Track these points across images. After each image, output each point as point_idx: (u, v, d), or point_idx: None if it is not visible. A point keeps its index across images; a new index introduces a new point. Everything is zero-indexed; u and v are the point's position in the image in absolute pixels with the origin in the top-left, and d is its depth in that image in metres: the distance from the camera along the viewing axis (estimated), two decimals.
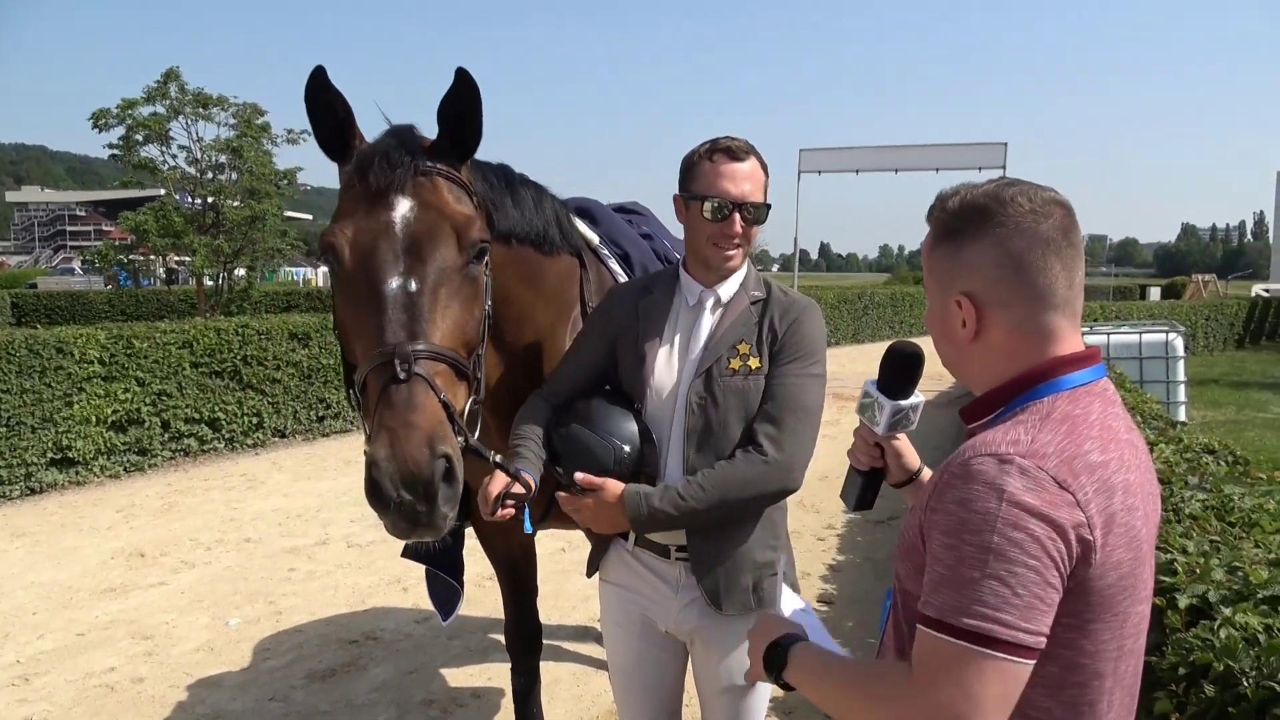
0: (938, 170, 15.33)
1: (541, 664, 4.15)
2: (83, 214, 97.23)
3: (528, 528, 1.98)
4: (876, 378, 1.62)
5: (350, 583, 5.45)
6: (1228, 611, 1.67)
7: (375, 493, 1.60)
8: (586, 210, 2.80)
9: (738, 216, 2.00)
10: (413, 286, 1.76)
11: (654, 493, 1.94)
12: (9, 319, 21.42)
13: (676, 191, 2.09)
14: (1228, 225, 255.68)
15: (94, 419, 7.80)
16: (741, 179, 1.99)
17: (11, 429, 7.24)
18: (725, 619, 2.06)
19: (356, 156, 1.87)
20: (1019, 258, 1.18)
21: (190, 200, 15.68)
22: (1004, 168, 14.24)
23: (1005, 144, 14.46)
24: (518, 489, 1.90)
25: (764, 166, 2.06)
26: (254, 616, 4.93)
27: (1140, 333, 9.97)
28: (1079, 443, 1.11)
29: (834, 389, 12.48)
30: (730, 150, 2.01)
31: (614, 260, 2.69)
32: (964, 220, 1.23)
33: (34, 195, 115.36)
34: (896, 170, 15.20)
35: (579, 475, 1.96)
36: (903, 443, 1.65)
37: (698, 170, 2.03)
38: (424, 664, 4.35)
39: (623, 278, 2.66)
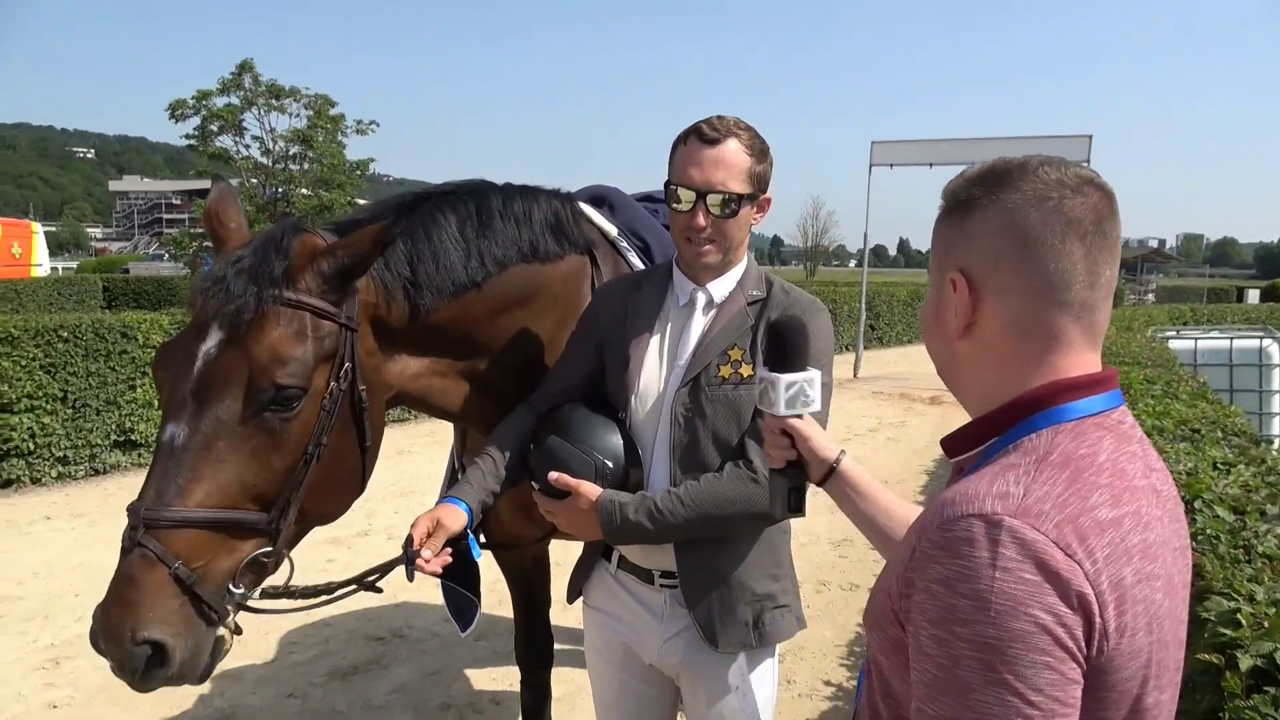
0: None
1: (567, 670, 4.04)
2: (179, 202, 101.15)
3: (475, 554, 1.83)
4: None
5: (386, 576, 5.38)
6: None
7: (92, 645, 1.58)
8: (603, 198, 2.61)
9: (701, 208, 1.77)
10: (180, 439, 1.60)
11: (630, 502, 1.76)
12: (100, 302, 22.23)
13: None
14: None
15: (156, 402, 7.94)
16: (709, 165, 1.77)
17: (78, 411, 7.42)
18: (718, 656, 1.86)
19: (202, 276, 1.75)
20: (1029, 232, 0.96)
21: (263, 189, 16.04)
22: (1089, 161, 13.53)
23: (1090, 136, 13.70)
24: (453, 529, 1.77)
25: (754, 150, 1.81)
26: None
27: (1231, 338, 9.33)
28: (1084, 494, 0.88)
29: (902, 389, 12.07)
30: (701, 132, 1.78)
31: (634, 253, 2.50)
32: (976, 186, 1.01)
33: (133, 184, 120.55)
34: (973, 164, 14.58)
35: (553, 475, 1.80)
36: (809, 426, 1.46)
37: (674, 155, 1.84)
38: (447, 665, 4.25)
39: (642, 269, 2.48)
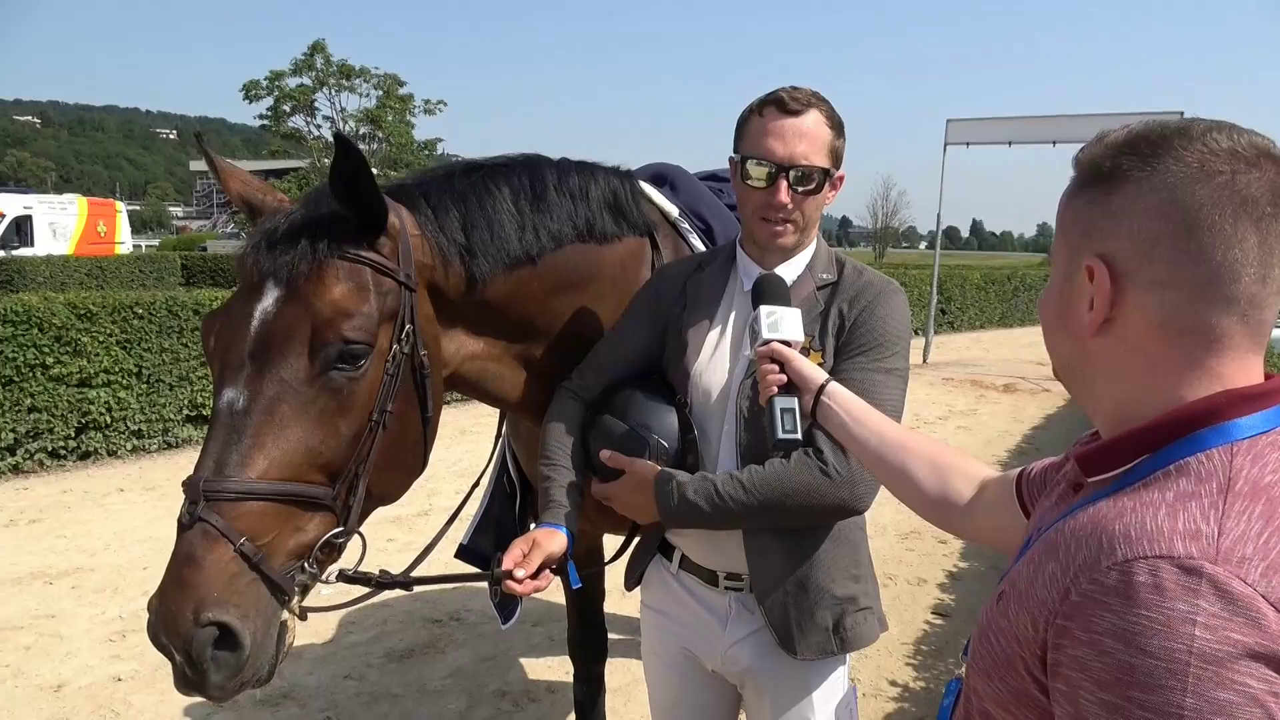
0: None
1: (623, 661, 3.97)
2: None
3: (574, 582, 1.74)
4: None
5: (445, 557, 5.34)
6: None
7: (152, 642, 1.46)
8: (665, 177, 2.49)
9: (784, 183, 1.65)
10: (240, 404, 1.50)
11: (689, 482, 1.66)
12: (179, 279, 22.91)
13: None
14: None
15: None
16: (792, 137, 1.64)
17: (151, 386, 7.59)
18: (789, 664, 1.75)
19: (251, 234, 1.64)
20: (1194, 213, 0.80)
21: None
22: None
23: (1181, 113, 13.02)
24: (551, 551, 1.66)
25: (834, 123, 1.70)
26: (347, 587, 4.91)
27: None
28: None
29: (974, 376, 11.68)
30: (781, 102, 1.66)
31: (695, 235, 2.37)
32: (1126, 155, 0.85)
33: None
34: (1054, 143, 14.05)
35: (604, 453, 1.73)
36: (794, 352, 1.49)
37: (746, 127, 1.71)
38: (503, 651, 4.21)
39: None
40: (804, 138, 1.65)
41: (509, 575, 1.59)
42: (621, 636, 4.02)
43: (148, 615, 1.46)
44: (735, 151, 1.74)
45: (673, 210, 2.31)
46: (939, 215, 15.11)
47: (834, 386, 1.43)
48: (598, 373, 1.90)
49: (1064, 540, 0.81)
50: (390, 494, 1.75)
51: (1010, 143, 13.54)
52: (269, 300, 1.55)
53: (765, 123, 1.67)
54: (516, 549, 1.64)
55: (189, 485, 1.46)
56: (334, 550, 1.63)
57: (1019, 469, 1.24)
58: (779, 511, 1.64)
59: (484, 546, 2.61)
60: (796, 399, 1.45)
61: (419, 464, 1.80)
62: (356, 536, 1.69)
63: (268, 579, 1.48)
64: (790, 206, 1.67)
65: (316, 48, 15.08)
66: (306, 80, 15.23)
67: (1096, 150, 0.90)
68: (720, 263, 1.85)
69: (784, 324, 1.51)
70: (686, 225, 2.33)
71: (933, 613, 4.72)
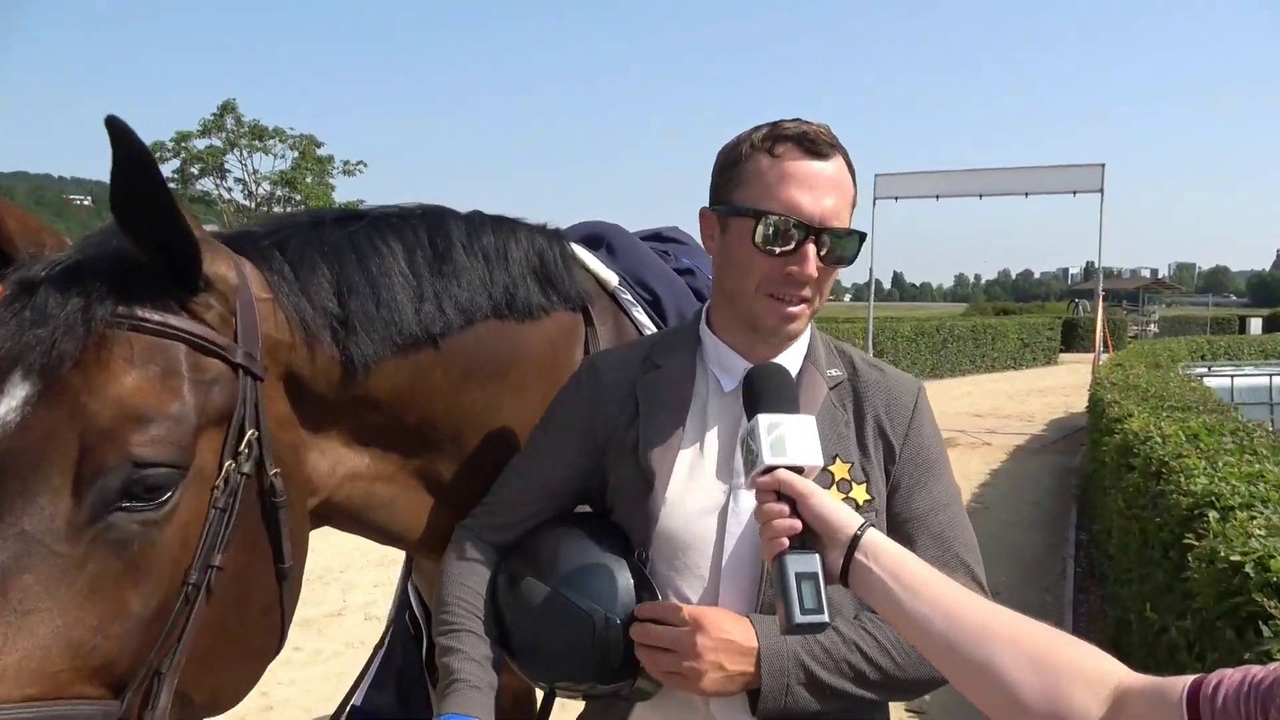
0: (1027, 194, 14.42)
1: None
2: None
3: None
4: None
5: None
6: None
7: None
8: (600, 238, 2.04)
9: (812, 249, 1.22)
10: None
11: (812, 644, 1.22)
12: None
13: (706, 203, 1.34)
14: None
15: None
16: (822, 188, 1.23)
17: None
18: None
19: None
20: None
21: None
22: (1101, 190, 13.14)
23: (1103, 165, 13.32)
24: None
25: (853, 171, 1.30)
26: (239, 712, 4.25)
27: (1270, 375, 8.79)
28: None
29: None
30: (804, 139, 1.23)
31: (639, 308, 1.93)
32: None
33: None
34: (981, 195, 14.31)
35: (645, 606, 1.26)
36: (811, 485, 1.06)
37: (748, 169, 1.26)
38: None
39: (651, 330, 1.90)
40: (835, 191, 1.25)
41: None
42: None
43: None
44: (722, 200, 1.31)
45: (611, 279, 1.87)
46: (871, 269, 15.13)
47: (874, 537, 1.01)
48: (510, 508, 1.44)
49: None
50: (223, 697, 1.22)
51: (938, 196, 13.69)
52: (11, 402, 1.02)
53: (783, 165, 1.24)
54: None
55: None
56: None
57: (1187, 681, 0.80)
58: (920, 690, 1.28)
59: (383, 706, 2.07)
60: (818, 556, 1.03)
61: (273, 642, 1.28)
62: None
63: None
64: (816, 279, 1.26)
65: (227, 108, 14.62)
66: (216, 141, 14.76)
67: None
68: (680, 353, 1.40)
69: (792, 440, 1.08)
70: (628, 296, 1.89)
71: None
